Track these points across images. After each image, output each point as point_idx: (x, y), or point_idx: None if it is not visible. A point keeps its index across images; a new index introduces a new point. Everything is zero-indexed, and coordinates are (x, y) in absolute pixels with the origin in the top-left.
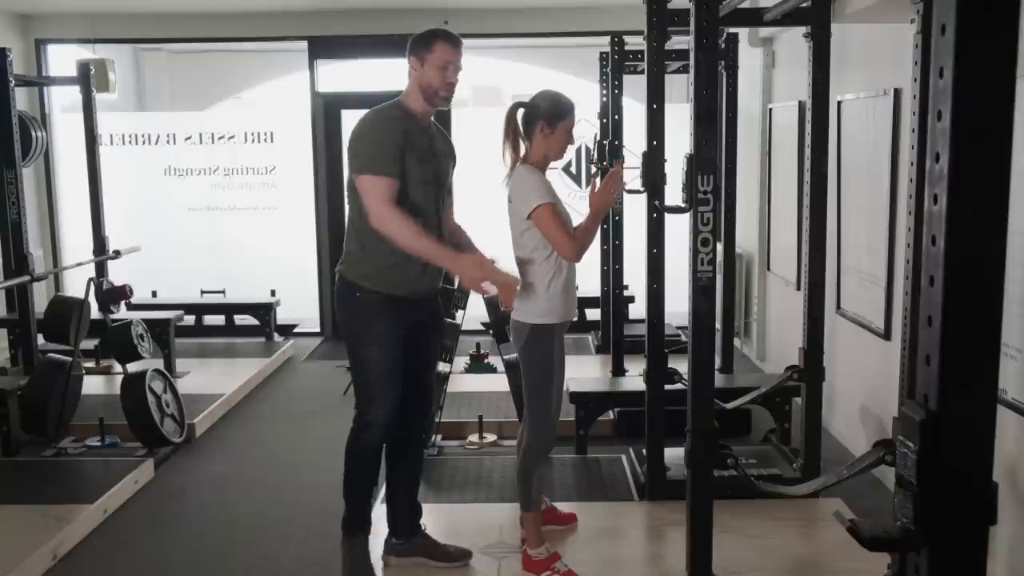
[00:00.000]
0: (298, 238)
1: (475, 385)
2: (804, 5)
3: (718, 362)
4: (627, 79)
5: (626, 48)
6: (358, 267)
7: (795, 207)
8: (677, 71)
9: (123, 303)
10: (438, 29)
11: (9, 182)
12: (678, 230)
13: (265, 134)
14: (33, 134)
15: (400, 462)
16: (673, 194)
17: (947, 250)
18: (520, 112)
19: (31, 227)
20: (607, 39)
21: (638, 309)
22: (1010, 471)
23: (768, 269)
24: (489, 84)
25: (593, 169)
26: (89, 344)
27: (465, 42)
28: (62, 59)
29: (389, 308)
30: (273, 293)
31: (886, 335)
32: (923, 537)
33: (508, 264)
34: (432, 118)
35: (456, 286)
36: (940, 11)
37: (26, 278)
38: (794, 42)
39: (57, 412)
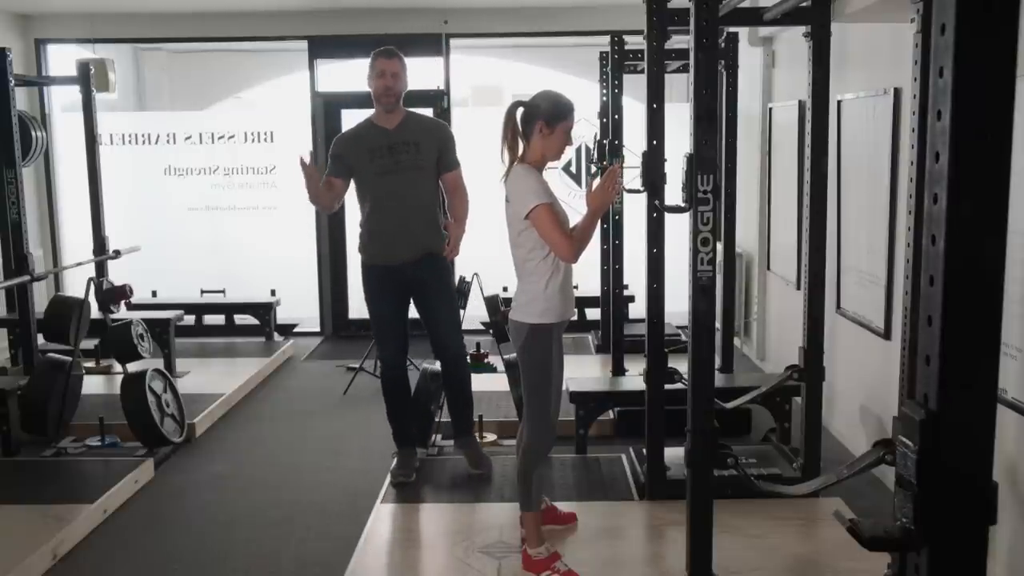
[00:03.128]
0: (298, 238)
1: (475, 385)
2: (804, 4)
3: (718, 362)
4: (627, 79)
5: (626, 48)
6: (361, 245)
7: (795, 207)
8: (677, 71)
9: (123, 303)
10: (379, 49)
11: (9, 182)
12: (678, 230)
13: (265, 134)
14: (33, 134)
15: (446, 380)
16: (673, 194)
17: (947, 250)
18: (519, 111)
19: (31, 227)
20: (607, 39)
21: (638, 309)
22: (1010, 471)
23: (768, 269)
24: (489, 84)
25: (593, 169)
26: (89, 344)
27: (465, 42)
28: (62, 59)
29: (374, 275)
30: (273, 293)
31: (886, 335)
32: (923, 537)
33: (507, 263)
34: (402, 116)
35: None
36: (940, 11)
37: (26, 278)
38: (794, 41)
39: (57, 412)
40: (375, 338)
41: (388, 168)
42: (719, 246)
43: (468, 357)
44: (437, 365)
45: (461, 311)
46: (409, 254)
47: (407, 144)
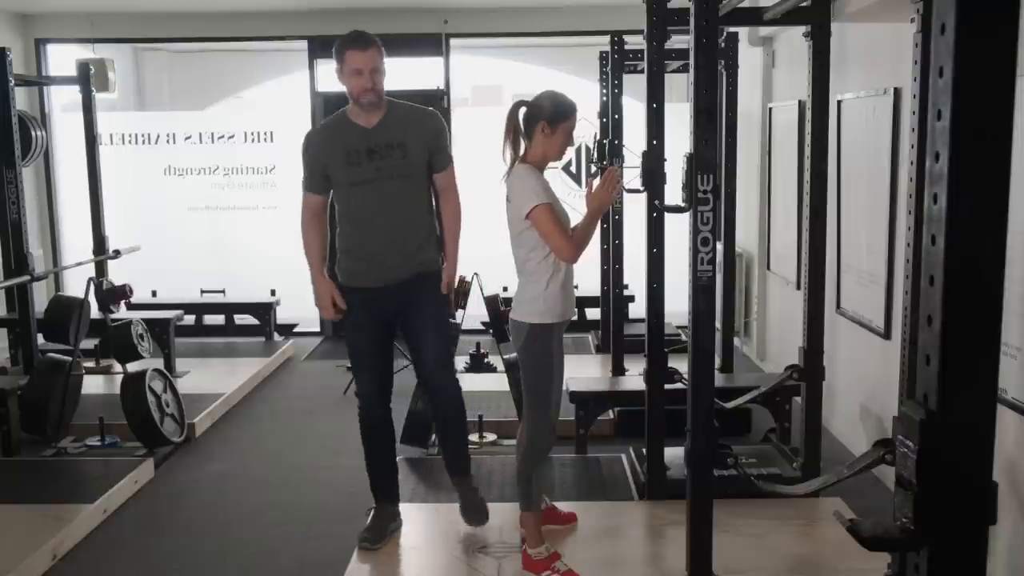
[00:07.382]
0: (298, 238)
1: (475, 385)
2: (804, 4)
3: (718, 361)
4: (627, 78)
5: (626, 47)
6: (336, 265)
7: (795, 207)
8: (677, 70)
9: (123, 303)
10: (348, 36)
11: (9, 182)
12: (678, 230)
13: (265, 134)
14: (33, 134)
15: (434, 419)
16: (673, 193)
17: (947, 250)
18: (522, 111)
19: (31, 227)
20: (607, 38)
21: (638, 309)
22: (1010, 471)
23: (768, 269)
24: (489, 83)
25: (593, 169)
26: (89, 344)
27: (465, 42)
28: (62, 59)
29: (354, 299)
30: (273, 293)
31: (886, 335)
32: (923, 537)
33: (507, 262)
34: (383, 111)
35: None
36: (940, 10)
37: (26, 278)
38: (794, 41)
39: (57, 412)
40: (353, 368)
41: (367, 177)
42: (719, 246)
43: (468, 357)
44: None
45: (460, 312)
46: (398, 275)
47: (391, 147)
